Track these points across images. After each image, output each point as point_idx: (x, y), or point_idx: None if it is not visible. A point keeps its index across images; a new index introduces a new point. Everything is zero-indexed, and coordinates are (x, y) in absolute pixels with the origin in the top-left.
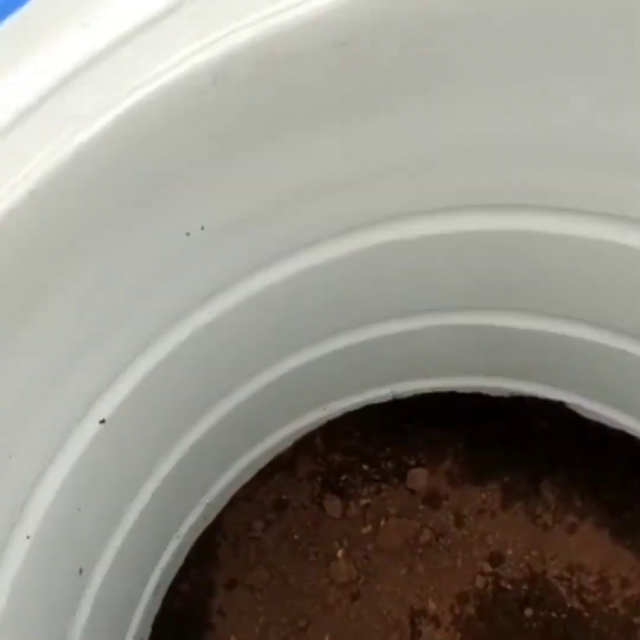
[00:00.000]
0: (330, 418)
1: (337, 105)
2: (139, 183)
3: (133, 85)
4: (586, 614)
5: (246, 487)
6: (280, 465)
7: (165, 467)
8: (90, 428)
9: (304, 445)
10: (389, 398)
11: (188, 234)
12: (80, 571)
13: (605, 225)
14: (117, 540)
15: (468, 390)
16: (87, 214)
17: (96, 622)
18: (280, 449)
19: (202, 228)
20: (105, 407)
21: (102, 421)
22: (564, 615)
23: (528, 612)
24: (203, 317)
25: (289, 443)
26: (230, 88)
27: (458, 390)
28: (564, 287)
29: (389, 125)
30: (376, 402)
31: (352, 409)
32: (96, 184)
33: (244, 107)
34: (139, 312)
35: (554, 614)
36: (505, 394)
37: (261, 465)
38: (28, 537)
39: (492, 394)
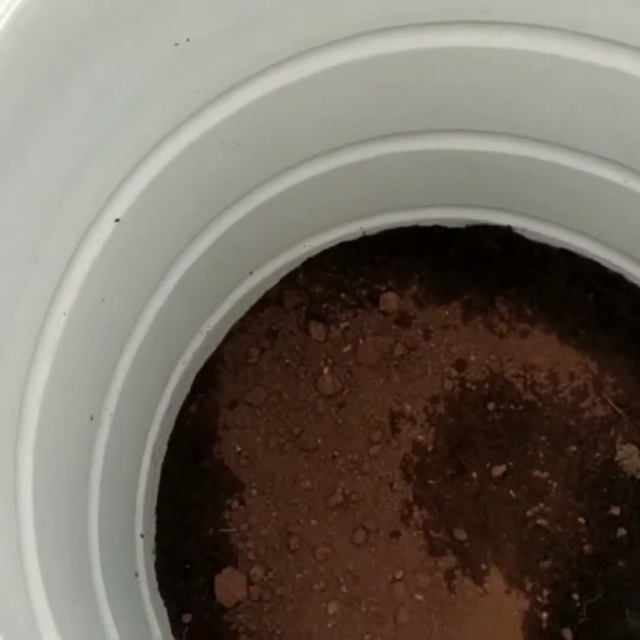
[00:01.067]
0: (310, 256)
1: None
2: None
3: None
4: (540, 404)
5: (241, 321)
6: (269, 300)
7: (172, 280)
8: (107, 226)
9: (289, 281)
10: (360, 235)
11: (176, 44)
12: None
13: (527, 35)
14: (133, 347)
15: (428, 223)
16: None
17: (118, 433)
18: (268, 286)
19: (188, 40)
20: (119, 207)
21: (117, 220)
22: (521, 407)
23: (490, 406)
24: (194, 131)
25: (276, 280)
26: None
27: (420, 224)
28: (500, 103)
29: None
30: (349, 239)
31: (328, 246)
32: None
33: None
34: (140, 118)
35: (512, 406)
36: (461, 225)
37: (253, 301)
38: (65, 314)
39: (449, 225)
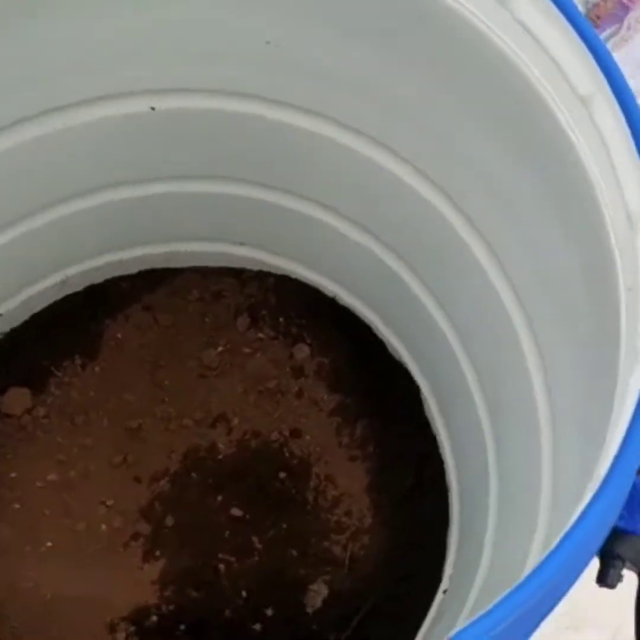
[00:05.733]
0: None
1: None
2: None
3: None
4: (309, 508)
5: (217, 273)
6: (245, 276)
7: None
8: None
9: (264, 278)
10: (332, 296)
11: None
12: None
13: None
14: None
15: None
16: None
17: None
18: (254, 267)
19: None
20: None
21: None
22: (298, 496)
23: (282, 474)
24: None
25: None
26: None
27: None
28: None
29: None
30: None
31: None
32: None
33: None
34: None
35: (294, 491)
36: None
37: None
38: None
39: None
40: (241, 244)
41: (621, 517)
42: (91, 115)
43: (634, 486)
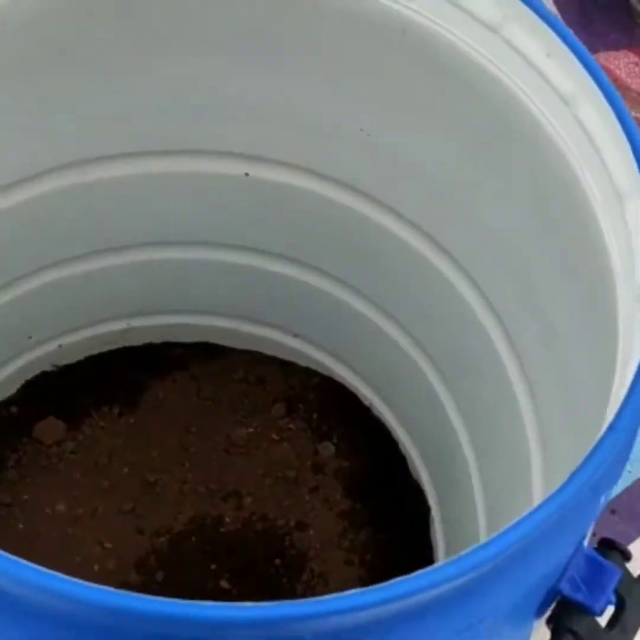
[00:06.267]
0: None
1: None
2: None
3: None
4: (296, 600)
5: (265, 358)
6: (287, 369)
7: None
8: None
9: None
10: (368, 405)
11: None
12: None
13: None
14: None
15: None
16: None
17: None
18: (291, 359)
19: None
20: None
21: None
22: (288, 585)
23: (278, 561)
24: None
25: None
26: None
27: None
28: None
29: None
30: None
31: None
32: None
33: None
34: None
35: (285, 580)
36: None
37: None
38: None
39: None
40: (295, 335)
41: (579, 590)
42: (183, 167)
43: (595, 563)
